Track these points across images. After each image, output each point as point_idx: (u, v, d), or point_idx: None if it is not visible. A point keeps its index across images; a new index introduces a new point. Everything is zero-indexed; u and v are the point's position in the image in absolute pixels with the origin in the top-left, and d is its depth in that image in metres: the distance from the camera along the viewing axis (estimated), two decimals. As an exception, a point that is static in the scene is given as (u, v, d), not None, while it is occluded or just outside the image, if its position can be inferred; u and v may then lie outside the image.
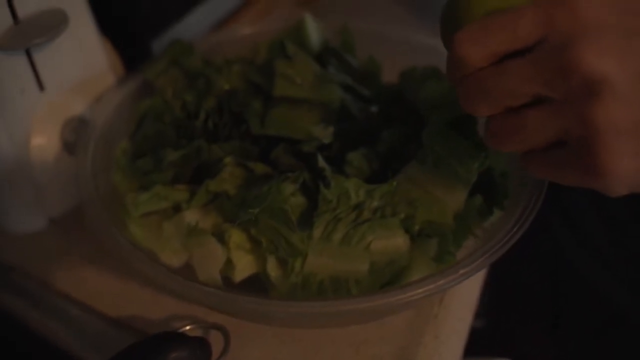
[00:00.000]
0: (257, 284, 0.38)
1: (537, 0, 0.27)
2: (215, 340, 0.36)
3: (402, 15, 0.75)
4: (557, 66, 0.26)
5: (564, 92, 0.26)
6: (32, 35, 0.42)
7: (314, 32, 0.49)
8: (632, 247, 0.55)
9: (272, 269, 0.37)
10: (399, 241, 0.37)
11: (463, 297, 0.44)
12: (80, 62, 0.48)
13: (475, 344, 0.46)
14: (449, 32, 0.30)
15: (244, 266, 0.38)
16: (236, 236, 0.38)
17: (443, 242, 0.37)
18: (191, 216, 0.40)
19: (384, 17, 0.74)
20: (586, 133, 0.26)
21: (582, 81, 0.25)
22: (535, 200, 0.36)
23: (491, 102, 0.28)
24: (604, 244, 0.57)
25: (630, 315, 0.54)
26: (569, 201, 0.59)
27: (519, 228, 0.35)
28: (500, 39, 0.27)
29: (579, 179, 0.28)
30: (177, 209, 0.41)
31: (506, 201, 0.40)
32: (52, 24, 0.43)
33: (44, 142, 0.47)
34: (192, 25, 0.60)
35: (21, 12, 0.43)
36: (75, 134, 0.47)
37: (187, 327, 0.37)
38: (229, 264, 0.38)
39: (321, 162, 0.38)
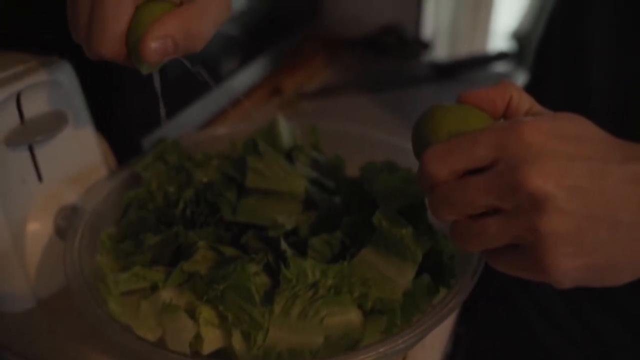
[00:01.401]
0: (223, 358, 0.42)
1: (492, 126, 0.33)
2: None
3: (374, 116, 0.83)
4: (508, 185, 0.31)
5: (515, 205, 0.31)
6: (35, 133, 0.48)
7: (286, 131, 0.56)
8: (592, 324, 0.59)
9: (237, 342, 0.40)
10: (352, 316, 0.41)
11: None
12: (77, 156, 0.54)
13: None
14: (418, 148, 0.36)
15: (212, 340, 0.41)
16: (206, 312, 0.42)
17: (391, 317, 0.41)
18: (167, 295, 0.44)
19: (356, 118, 0.82)
20: (534, 239, 0.31)
21: (528, 198, 0.30)
22: (471, 278, 0.41)
23: (454, 210, 0.33)
24: (572, 326, 0.60)
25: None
26: (536, 287, 0.63)
27: (454, 301, 0.39)
28: (461, 159, 0.33)
29: (530, 274, 0.33)
30: (154, 288, 0.45)
31: (452, 280, 0.44)
32: (53, 124, 0.49)
33: (38, 228, 0.51)
34: (179, 126, 0.67)
35: (27, 113, 0.49)
36: (67, 221, 0.52)
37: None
38: (198, 338, 0.41)
39: (283, 245, 0.43)
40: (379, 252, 0.43)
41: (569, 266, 0.31)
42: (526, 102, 0.36)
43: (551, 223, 0.30)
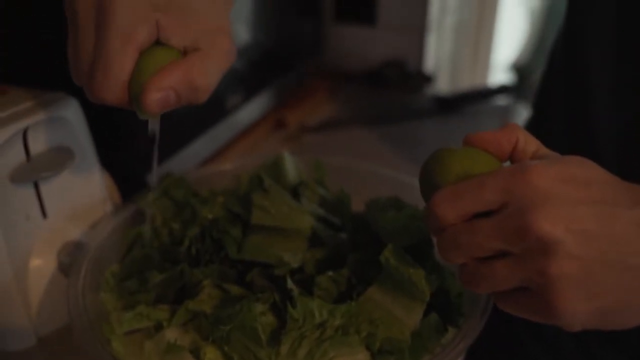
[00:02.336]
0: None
1: (500, 170, 0.33)
2: None
3: (377, 149, 0.83)
4: (516, 229, 0.31)
5: (523, 249, 0.31)
6: (40, 170, 0.48)
7: (291, 166, 0.56)
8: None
9: (243, 384, 0.40)
10: (360, 357, 0.40)
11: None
12: (82, 192, 0.53)
13: None
14: (426, 191, 0.37)
15: (217, 381, 0.41)
16: (211, 353, 0.41)
17: (400, 358, 0.40)
18: (171, 334, 0.43)
19: (359, 151, 0.82)
20: (543, 282, 0.31)
21: (537, 242, 0.30)
22: (480, 318, 0.40)
23: (463, 253, 0.33)
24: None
25: None
26: (547, 329, 0.62)
27: (463, 342, 0.38)
28: (469, 202, 0.33)
29: (540, 317, 0.33)
30: (158, 327, 0.44)
31: (461, 319, 0.44)
32: (59, 160, 0.49)
33: (41, 264, 0.51)
34: (184, 160, 0.67)
35: (33, 149, 0.49)
36: (70, 257, 0.51)
37: None
38: (203, 379, 0.41)
39: (290, 284, 0.42)
40: (386, 290, 0.42)
41: (578, 310, 0.31)
42: (532, 144, 0.36)
43: (560, 267, 0.30)
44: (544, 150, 0.36)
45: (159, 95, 0.36)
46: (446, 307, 0.44)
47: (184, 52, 0.37)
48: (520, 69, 1.71)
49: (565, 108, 0.64)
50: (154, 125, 0.41)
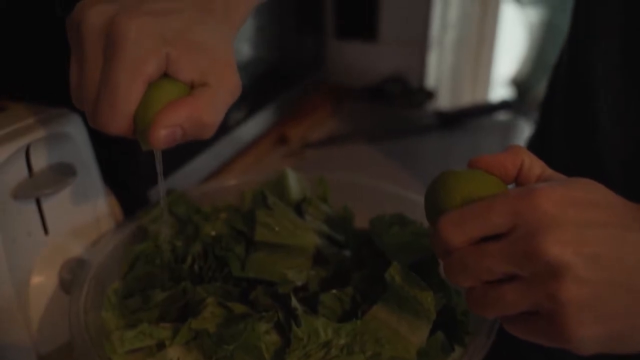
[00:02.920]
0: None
1: (506, 193, 0.33)
2: None
3: (379, 164, 0.83)
4: (525, 253, 0.31)
5: (532, 273, 0.31)
6: (43, 186, 0.48)
7: (294, 183, 0.55)
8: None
9: (246, 405, 0.39)
10: (365, 377, 0.39)
11: None
12: (84, 209, 0.53)
13: None
14: (432, 214, 0.36)
15: (220, 402, 0.40)
16: (214, 372, 0.40)
17: (406, 378, 0.39)
18: (173, 353, 0.42)
19: (361, 166, 0.82)
20: (552, 306, 0.31)
21: (546, 266, 0.30)
22: (487, 337, 0.40)
23: (470, 276, 0.33)
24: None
25: None
26: (557, 353, 0.61)
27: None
28: (476, 226, 0.32)
29: (549, 341, 0.32)
30: (161, 346, 0.44)
31: (467, 337, 0.43)
32: (61, 177, 0.49)
33: (42, 280, 0.50)
34: (186, 176, 0.66)
35: (36, 165, 0.49)
36: (72, 273, 0.51)
37: None
38: (205, 399, 0.40)
39: (294, 302, 0.42)
40: (392, 309, 0.42)
41: (588, 333, 0.31)
42: (538, 166, 0.36)
43: (570, 291, 0.30)
44: (549, 172, 0.36)
45: (166, 132, 0.35)
46: (452, 325, 0.44)
47: (191, 86, 0.37)
48: (520, 83, 1.72)
49: (569, 124, 0.64)
50: (156, 154, 0.41)
